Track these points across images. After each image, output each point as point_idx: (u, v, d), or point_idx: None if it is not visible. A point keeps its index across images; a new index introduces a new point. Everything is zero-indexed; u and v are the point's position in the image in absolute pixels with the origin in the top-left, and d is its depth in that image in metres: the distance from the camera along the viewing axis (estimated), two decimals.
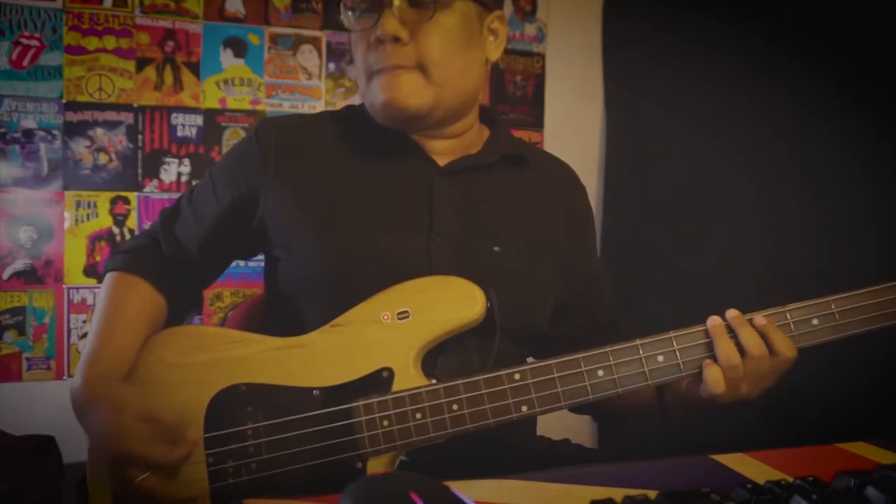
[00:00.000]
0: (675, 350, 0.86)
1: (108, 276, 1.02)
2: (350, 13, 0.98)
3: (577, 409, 1.12)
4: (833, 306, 0.87)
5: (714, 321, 0.87)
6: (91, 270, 2.06)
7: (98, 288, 2.05)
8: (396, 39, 0.94)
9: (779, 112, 1.97)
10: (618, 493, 0.59)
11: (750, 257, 2.01)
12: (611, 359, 0.85)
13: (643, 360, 0.85)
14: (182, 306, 1.06)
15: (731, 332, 0.86)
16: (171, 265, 1.04)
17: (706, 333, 0.86)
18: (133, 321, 0.95)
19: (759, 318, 0.86)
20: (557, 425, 1.20)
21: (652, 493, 0.58)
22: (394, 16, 0.94)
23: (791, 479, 0.61)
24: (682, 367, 0.86)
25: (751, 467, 0.70)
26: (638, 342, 0.86)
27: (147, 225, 2.06)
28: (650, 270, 2.36)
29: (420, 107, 0.98)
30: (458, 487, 0.51)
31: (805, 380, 1.62)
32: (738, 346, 0.85)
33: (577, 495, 0.64)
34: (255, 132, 1.05)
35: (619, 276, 2.41)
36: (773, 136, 1.99)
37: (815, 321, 0.87)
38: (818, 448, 0.76)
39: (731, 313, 0.87)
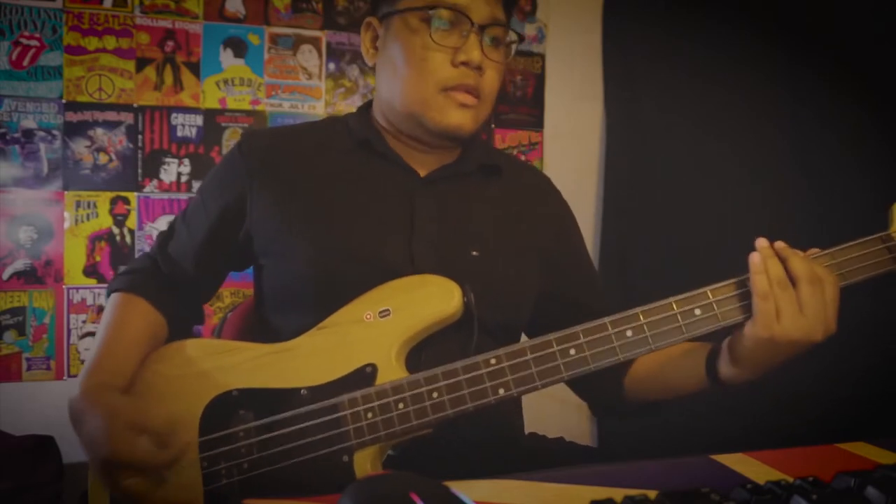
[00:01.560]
0: (642, 324, 0.88)
1: (112, 297, 1.06)
2: (434, 20, 0.98)
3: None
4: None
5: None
6: (91, 271, 2.06)
7: (98, 288, 2.06)
8: (479, 69, 1.00)
9: (779, 112, 1.97)
10: (618, 493, 0.59)
11: None
12: (581, 337, 0.87)
13: (612, 336, 0.87)
14: (183, 322, 1.10)
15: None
16: (170, 283, 1.08)
17: (672, 305, 0.88)
18: (134, 338, 0.99)
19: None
20: (556, 424, 1.20)
21: (652, 493, 0.58)
22: (479, 46, 0.99)
23: (791, 479, 0.61)
24: (649, 339, 0.87)
25: (751, 467, 0.70)
26: (607, 320, 0.88)
27: (148, 225, 2.06)
28: (650, 270, 2.36)
29: (470, 134, 1.03)
30: (457, 487, 0.51)
31: (805, 380, 1.63)
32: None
33: (577, 495, 0.64)
34: (238, 145, 1.09)
35: (618, 275, 2.41)
36: (773, 136, 1.99)
37: None
38: (818, 448, 0.76)
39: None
